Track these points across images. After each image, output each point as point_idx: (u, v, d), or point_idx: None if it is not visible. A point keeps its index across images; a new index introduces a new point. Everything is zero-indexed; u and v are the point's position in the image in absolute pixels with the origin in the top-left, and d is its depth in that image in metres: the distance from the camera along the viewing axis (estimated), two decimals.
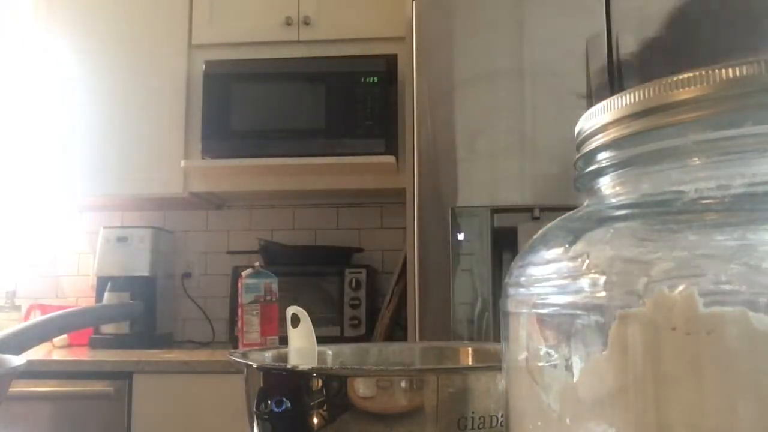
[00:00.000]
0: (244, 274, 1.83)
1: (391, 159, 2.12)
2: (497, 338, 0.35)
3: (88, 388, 1.85)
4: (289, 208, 2.56)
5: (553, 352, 0.28)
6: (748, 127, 0.25)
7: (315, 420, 0.44)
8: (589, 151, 0.31)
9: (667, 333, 0.24)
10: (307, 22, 2.27)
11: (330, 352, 0.63)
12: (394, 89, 2.22)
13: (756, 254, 0.24)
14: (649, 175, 0.28)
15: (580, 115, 0.32)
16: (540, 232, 0.32)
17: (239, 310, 1.82)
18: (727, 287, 0.23)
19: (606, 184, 0.31)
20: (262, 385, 0.47)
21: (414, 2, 1.76)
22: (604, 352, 0.25)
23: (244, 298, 1.81)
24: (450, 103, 1.69)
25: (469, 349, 0.65)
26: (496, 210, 1.62)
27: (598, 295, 0.26)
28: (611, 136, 0.29)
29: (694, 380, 0.23)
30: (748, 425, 0.23)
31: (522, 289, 0.31)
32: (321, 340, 0.62)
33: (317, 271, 2.22)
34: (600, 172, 0.31)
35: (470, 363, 0.63)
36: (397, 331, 2.21)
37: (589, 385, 0.26)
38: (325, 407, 0.44)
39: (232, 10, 2.32)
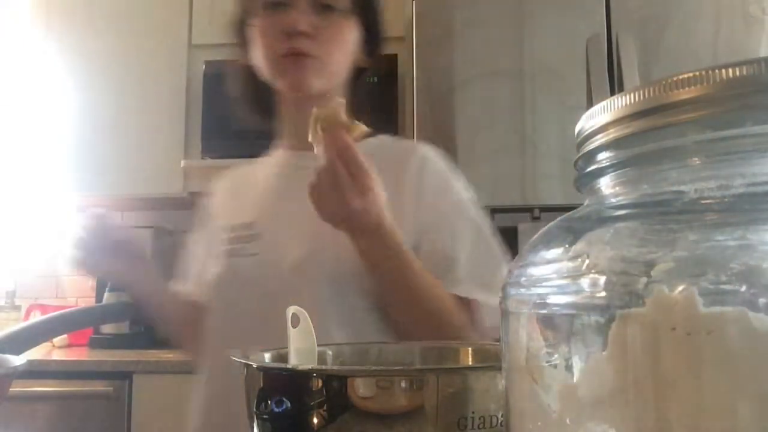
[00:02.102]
0: None
1: None
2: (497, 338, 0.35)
3: (88, 388, 1.85)
4: None
5: (553, 352, 0.28)
6: (748, 127, 0.25)
7: (315, 420, 0.44)
8: (589, 151, 0.31)
9: (667, 333, 0.24)
10: None
11: (330, 352, 0.63)
12: (394, 89, 2.22)
13: (756, 254, 0.24)
14: (649, 175, 0.28)
15: (580, 115, 0.32)
16: (540, 232, 0.32)
17: None
18: (727, 287, 0.23)
19: (606, 184, 0.31)
20: (262, 385, 0.47)
21: (414, 2, 1.76)
22: (604, 352, 0.25)
23: None
24: (450, 103, 1.69)
25: (469, 349, 0.65)
26: (496, 210, 1.62)
27: (598, 295, 0.26)
28: (611, 136, 0.29)
29: (694, 380, 0.23)
30: (748, 425, 0.23)
31: (522, 289, 0.31)
32: None
33: None
34: (600, 172, 0.31)
35: (470, 363, 0.63)
36: None
37: (589, 385, 0.26)
38: (325, 407, 0.44)
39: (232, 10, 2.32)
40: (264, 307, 0.87)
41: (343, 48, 0.95)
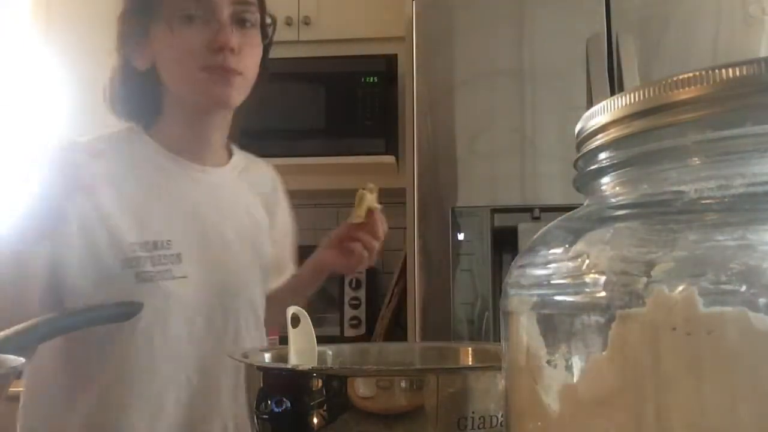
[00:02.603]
0: None
1: (391, 159, 2.12)
2: (497, 338, 0.35)
3: None
4: None
5: (553, 352, 0.28)
6: (748, 127, 0.25)
7: (315, 420, 0.44)
8: (589, 151, 0.31)
9: (667, 333, 0.24)
10: (307, 22, 2.27)
11: (330, 352, 0.63)
12: (394, 89, 2.22)
13: (756, 254, 0.24)
14: (649, 175, 0.28)
15: (580, 115, 0.32)
16: (540, 232, 0.32)
17: None
18: (727, 287, 0.23)
19: (606, 184, 0.31)
20: (262, 385, 0.47)
21: (414, 2, 1.76)
22: (604, 352, 0.25)
23: None
24: (450, 103, 1.69)
25: (469, 349, 0.65)
26: (496, 210, 1.62)
27: (598, 295, 0.26)
28: (611, 136, 0.29)
29: (694, 380, 0.23)
30: (748, 425, 0.23)
31: (522, 290, 0.31)
32: (321, 340, 0.62)
33: None
34: (600, 172, 0.31)
35: (470, 363, 0.63)
36: (397, 331, 2.21)
37: (589, 385, 0.26)
38: (325, 407, 0.44)
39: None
40: (199, 331, 0.91)
41: (257, 61, 0.98)
